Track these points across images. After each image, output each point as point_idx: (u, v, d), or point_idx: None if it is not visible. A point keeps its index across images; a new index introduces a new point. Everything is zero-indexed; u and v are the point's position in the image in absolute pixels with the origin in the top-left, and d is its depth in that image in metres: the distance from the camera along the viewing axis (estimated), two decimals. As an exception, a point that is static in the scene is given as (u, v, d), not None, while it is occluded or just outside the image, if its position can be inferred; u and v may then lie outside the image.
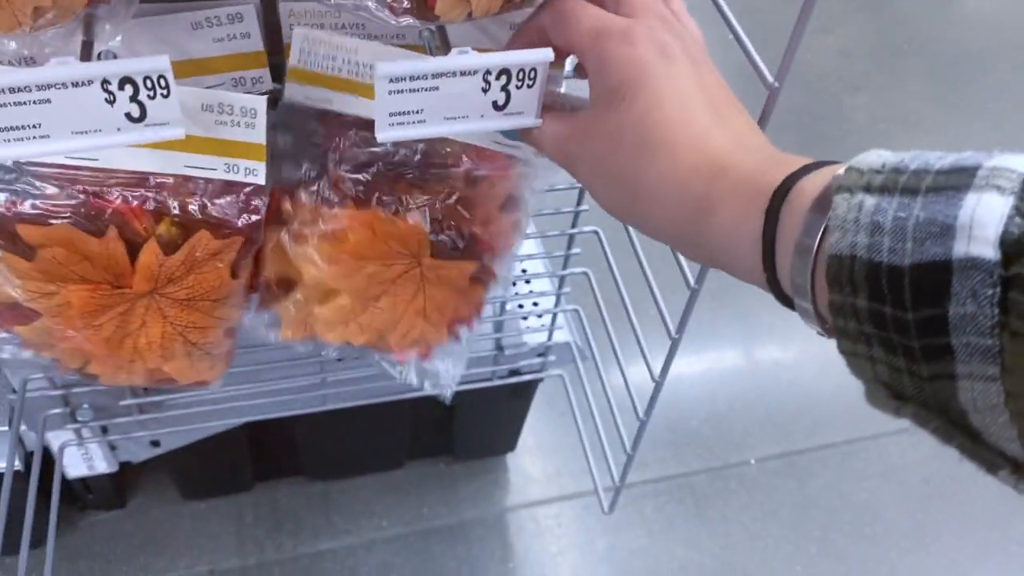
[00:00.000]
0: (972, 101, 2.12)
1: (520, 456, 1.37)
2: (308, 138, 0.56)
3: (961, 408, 0.31)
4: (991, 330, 0.29)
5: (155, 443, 1.02)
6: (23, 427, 0.88)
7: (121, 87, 0.38)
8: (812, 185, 0.36)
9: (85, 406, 0.87)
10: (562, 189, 0.78)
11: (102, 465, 1.02)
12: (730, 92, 0.44)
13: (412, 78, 0.41)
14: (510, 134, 0.57)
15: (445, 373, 0.71)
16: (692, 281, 0.64)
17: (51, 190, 0.49)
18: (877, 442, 1.44)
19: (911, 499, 1.38)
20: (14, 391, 0.82)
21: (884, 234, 0.31)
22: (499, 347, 1.01)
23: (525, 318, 1.03)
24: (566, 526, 1.32)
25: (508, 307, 0.99)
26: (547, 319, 1.02)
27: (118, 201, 0.50)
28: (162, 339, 0.57)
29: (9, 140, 0.39)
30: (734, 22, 0.52)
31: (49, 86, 0.37)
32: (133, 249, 0.52)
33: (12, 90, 0.37)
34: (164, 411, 0.91)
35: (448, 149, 0.57)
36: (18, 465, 0.92)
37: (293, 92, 0.52)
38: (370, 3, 0.41)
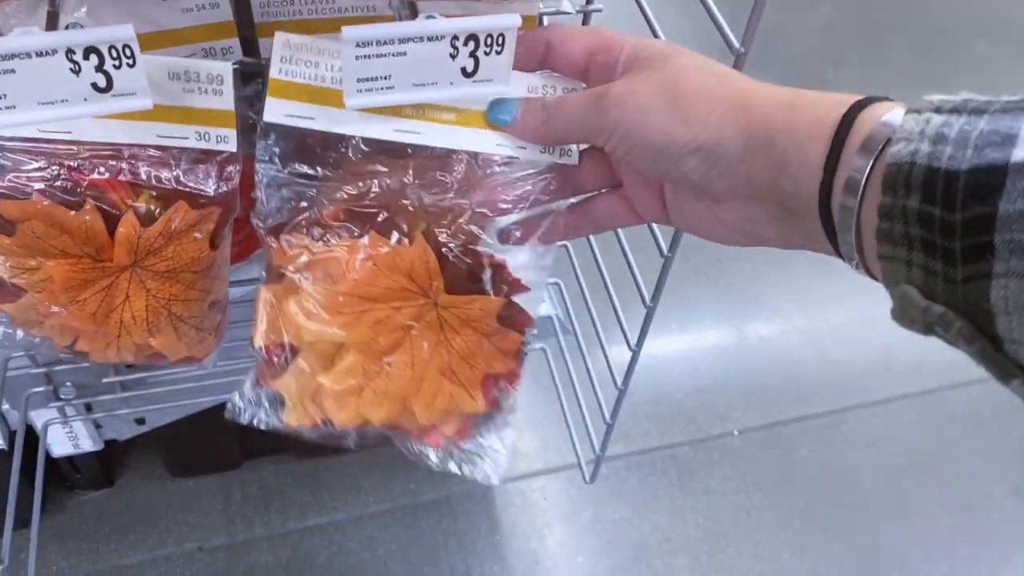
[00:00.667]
0: (954, 75, 2.12)
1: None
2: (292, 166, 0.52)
3: (990, 310, 0.32)
4: None
5: (140, 421, 1.02)
6: (5, 406, 0.88)
7: (86, 57, 0.38)
8: (880, 110, 0.38)
9: (68, 384, 0.88)
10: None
11: (87, 443, 1.03)
12: None
13: (379, 43, 0.42)
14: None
15: (492, 455, 0.59)
16: (666, 249, 0.64)
17: (27, 164, 0.49)
18: (860, 412, 1.46)
19: (893, 468, 1.39)
20: (-4, 369, 0.82)
21: (948, 143, 0.33)
22: (481, 321, 1.01)
23: (507, 292, 1.03)
24: (552, 498, 1.33)
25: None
26: (529, 293, 1.02)
27: (93, 173, 0.50)
28: (147, 312, 0.57)
29: (-24, 110, 0.39)
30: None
31: (13, 56, 0.38)
32: (113, 222, 0.52)
33: (-23, 61, 0.37)
34: (148, 388, 0.92)
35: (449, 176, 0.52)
36: (1, 444, 0.93)
37: (275, 110, 0.47)
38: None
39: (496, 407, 0.56)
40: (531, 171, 0.51)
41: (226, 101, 0.48)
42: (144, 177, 0.50)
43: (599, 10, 0.67)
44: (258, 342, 0.51)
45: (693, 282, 1.57)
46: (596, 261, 0.81)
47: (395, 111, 0.48)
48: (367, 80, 0.43)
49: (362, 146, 0.49)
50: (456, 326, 0.52)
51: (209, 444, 1.23)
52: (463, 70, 0.45)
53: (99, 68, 0.39)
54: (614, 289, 0.77)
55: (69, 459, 1.16)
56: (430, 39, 0.43)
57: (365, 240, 0.50)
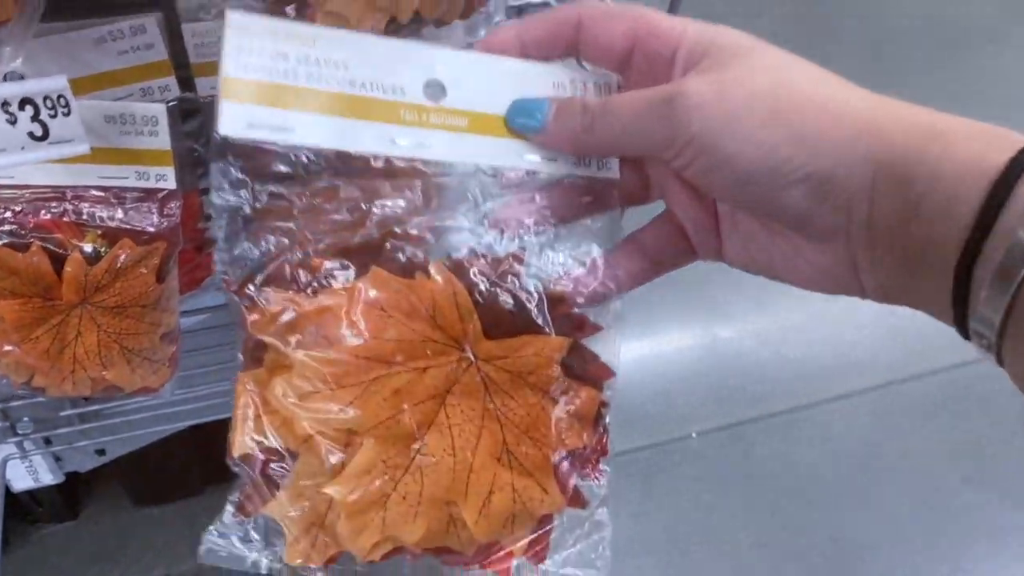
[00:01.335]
0: (901, 78, 2.17)
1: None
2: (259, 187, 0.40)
3: None
4: None
5: (100, 452, 1.02)
6: (-36, 443, 0.89)
7: (21, 108, 0.40)
8: None
9: (26, 419, 0.88)
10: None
11: (48, 477, 1.03)
12: None
13: None
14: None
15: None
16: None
17: (-29, 208, 0.50)
18: (817, 409, 1.49)
19: (852, 463, 1.42)
20: (-49, 408, 0.82)
21: None
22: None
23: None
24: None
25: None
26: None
27: (39, 216, 0.51)
28: (99, 347, 0.58)
29: (-84, 162, 0.40)
30: None
31: (-51, 109, 0.38)
32: (60, 261, 0.53)
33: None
34: (106, 419, 0.92)
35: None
36: (-38, 482, 0.93)
37: (233, 120, 0.34)
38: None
39: (579, 504, 0.41)
40: (554, 182, 0.41)
41: (162, 141, 0.49)
42: (88, 217, 0.52)
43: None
44: (237, 452, 0.37)
45: (648, 286, 1.60)
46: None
47: (390, 115, 0.38)
48: None
49: (334, 162, 0.38)
50: (507, 386, 0.39)
51: (171, 471, 1.23)
52: (31, 134, 0.42)
53: (35, 118, 0.40)
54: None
55: (30, 493, 1.15)
56: None
57: (368, 279, 0.37)
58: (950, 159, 0.32)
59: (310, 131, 0.36)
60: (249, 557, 0.39)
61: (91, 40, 0.49)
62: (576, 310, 0.40)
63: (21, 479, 1.03)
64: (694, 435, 1.44)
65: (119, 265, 0.53)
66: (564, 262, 0.40)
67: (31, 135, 0.41)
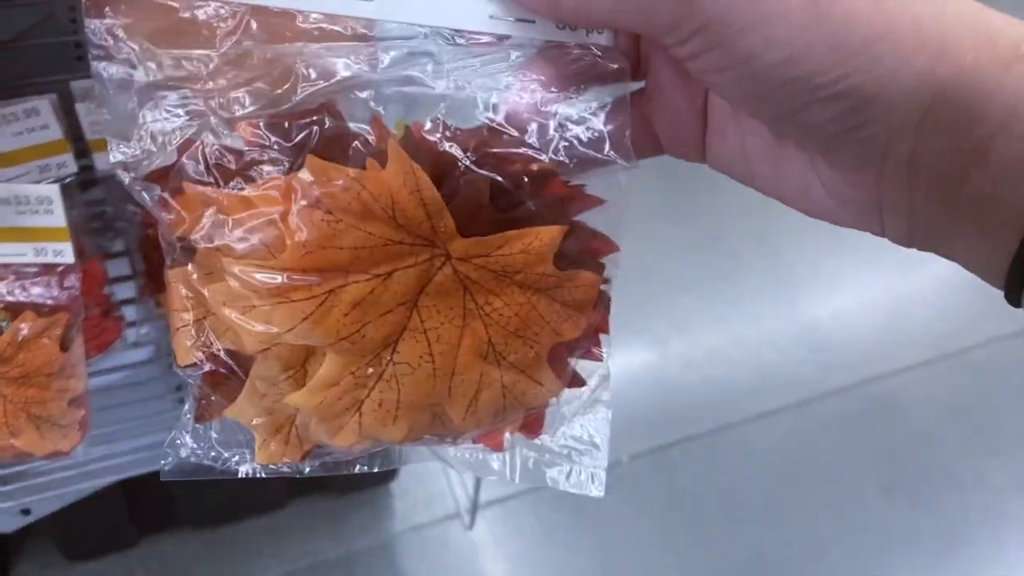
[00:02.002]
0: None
1: (405, 480, 1.42)
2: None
3: None
4: None
5: (25, 511, 1.02)
6: None
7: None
8: None
9: (-55, 484, 0.88)
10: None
11: (-27, 540, 1.03)
12: None
13: None
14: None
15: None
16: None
17: None
18: (737, 429, 1.53)
19: (772, 480, 1.47)
20: None
21: None
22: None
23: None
24: (452, 545, 1.36)
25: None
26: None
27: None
28: (6, 416, 0.60)
29: None
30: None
31: None
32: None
33: None
34: (29, 479, 0.93)
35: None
36: None
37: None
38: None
39: (578, 384, 0.37)
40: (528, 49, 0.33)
41: (57, 219, 0.51)
42: (-10, 293, 0.54)
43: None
44: (182, 361, 0.33)
45: (575, 318, 1.63)
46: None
47: None
48: None
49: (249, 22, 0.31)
50: (491, 285, 0.32)
51: (101, 525, 1.23)
52: None
53: (-73, 206, 0.42)
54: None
55: (-42, 556, 1.15)
56: None
57: (305, 173, 0.30)
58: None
59: None
60: (216, 462, 0.36)
61: (-16, 125, 0.51)
62: (569, 181, 0.33)
63: (-55, 544, 1.03)
64: (625, 460, 1.48)
65: (21, 337, 0.55)
66: (557, 139, 0.33)
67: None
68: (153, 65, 0.30)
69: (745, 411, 1.56)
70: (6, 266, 0.53)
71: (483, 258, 0.32)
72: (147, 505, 1.21)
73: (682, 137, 0.34)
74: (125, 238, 0.67)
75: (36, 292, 0.54)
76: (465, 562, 1.35)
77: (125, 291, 0.74)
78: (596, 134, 0.33)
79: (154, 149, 0.31)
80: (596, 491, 0.41)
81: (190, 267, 0.32)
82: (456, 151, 0.31)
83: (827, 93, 0.27)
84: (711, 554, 1.37)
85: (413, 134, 0.31)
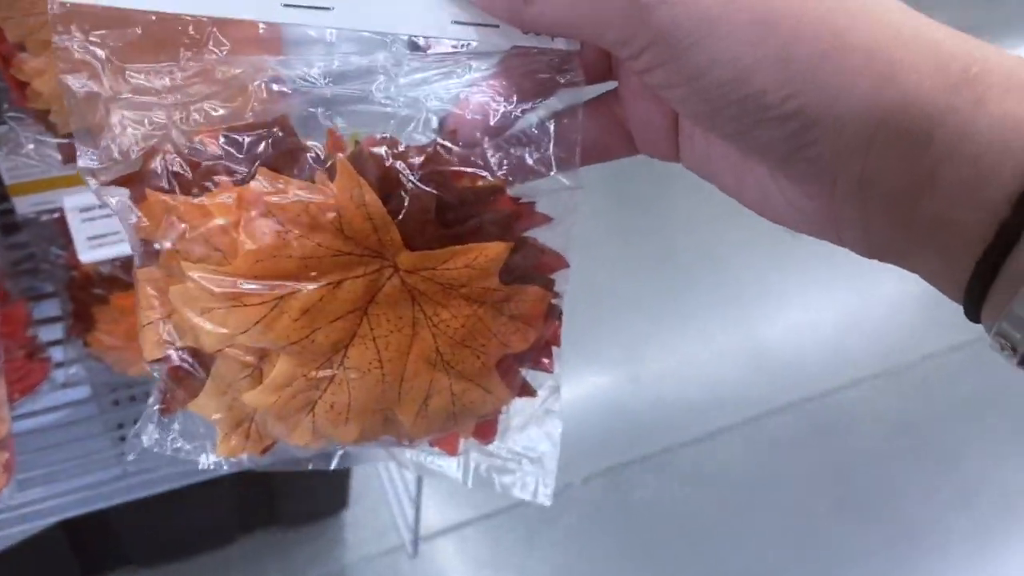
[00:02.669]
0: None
1: (355, 511, 1.40)
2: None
3: None
4: None
5: (-39, 555, 1.00)
6: None
7: None
8: None
9: None
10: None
11: (-93, 586, 1.00)
12: None
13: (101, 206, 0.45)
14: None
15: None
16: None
17: None
18: (689, 449, 1.54)
19: (725, 499, 1.48)
20: None
21: None
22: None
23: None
24: (403, 574, 1.35)
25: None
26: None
27: None
28: (-72, 460, 0.59)
29: None
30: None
31: None
32: None
33: None
34: (-38, 523, 0.90)
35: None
36: None
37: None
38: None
39: (528, 393, 0.38)
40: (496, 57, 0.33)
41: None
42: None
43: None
44: (148, 356, 0.34)
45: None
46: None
47: None
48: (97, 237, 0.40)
49: (221, 37, 0.32)
50: (438, 296, 0.33)
51: (43, 568, 1.20)
52: None
53: None
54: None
55: None
56: None
57: (259, 183, 0.31)
58: (984, 116, 0.25)
59: None
60: (182, 449, 0.37)
61: None
62: (518, 197, 0.34)
63: None
64: (579, 482, 1.47)
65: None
66: (507, 150, 0.33)
67: None
68: (119, 78, 0.31)
69: (696, 430, 1.56)
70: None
71: (429, 271, 0.33)
72: (92, 545, 1.19)
73: (654, 139, 0.35)
74: (51, 280, 0.66)
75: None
76: (418, 592, 1.34)
77: (53, 332, 0.73)
78: (542, 152, 0.33)
79: (119, 157, 0.32)
80: (544, 499, 0.42)
81: (155, 269, 0.33)
82: (403, 167, 0.32)
83: (775, 113, 0.27)
84: (665, 575, 1.37)
85: (363, 150, 0.32)
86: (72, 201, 0.44)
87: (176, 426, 0.37)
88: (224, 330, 0.32)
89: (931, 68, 0.26)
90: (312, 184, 0.31)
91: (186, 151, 0.32)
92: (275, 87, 0.32)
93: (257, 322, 0.32)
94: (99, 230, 0.46)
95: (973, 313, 0.28)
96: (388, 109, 0.33)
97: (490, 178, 0.33)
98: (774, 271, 1.80)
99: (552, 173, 0.33)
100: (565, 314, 0.35)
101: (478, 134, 0.32)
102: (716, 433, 1.56)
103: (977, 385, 1.62)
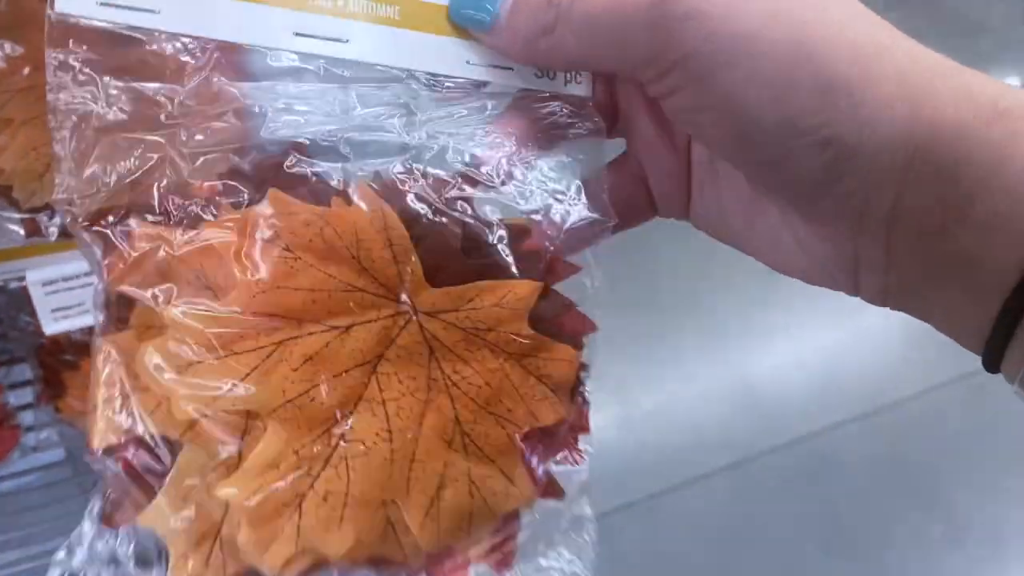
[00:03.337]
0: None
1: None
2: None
3: None
4: None
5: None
6: None
7: None
8: None
9: None
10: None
11: None
12: None
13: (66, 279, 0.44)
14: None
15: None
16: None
17: None
18: (677, 493, 1.53)
19: (714, 543, 1.46)
20: None
21: None
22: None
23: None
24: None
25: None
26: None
27: None
28: None
29: None
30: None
31: None
32: None
33: None
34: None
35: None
36: None
37: None
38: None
39: (555, 494, 0.33)
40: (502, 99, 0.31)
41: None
42: None
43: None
44: (98, 443, 0.28)
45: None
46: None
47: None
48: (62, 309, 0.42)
49: (216, 54, 0.29)
50: (459, 347, 0.29)
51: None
52: None
53: None
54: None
55: None
56: None
57: (265, 206, 0.28)
58: (1018, 148, 0.25)
59: (183, 13, 0.28)
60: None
61: None
62: (548, 245, 0.30)
63: None
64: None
65: None
66: (534, 192, 0.31)
67: None
68: (114, 98, 0.28)
69: (683, 474, 1.55)
70: None
71: (452, 313, 0.29)
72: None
73: (669, 193, 0.33)
74: (20, 346, 0.65)
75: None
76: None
77: (24, 396, 0.72)
78: (573, 196, 0.31)
79: (105, 186, 0.28)
80: None
81: (122, 334, 0.28)
82: (428, 195, 0.29)
83: (809, 140, 0.26)
84: (654, 624, 1.36)
85: (382, 176, 0.29)
86: (35, 275, 0.44)
87: (123, 552, 0.29)
88: (206, 389, 0.27)
89: (963, 99, 0.25)
90: (328, 208, 0.28)
91: (185, 177, 0.29)
92: (287, 116, 0.29)
93: (249, 373, 0.27)
94: (63, 302, 0.46)
95: (993, 360, 0.27)
96: (404, 139, 0.30)
97: (520, 214, 0.30)
98: (758, 311, 1.80)
99: (587, 213, 0.31)
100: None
101: (504, 168, 0.31)
102: (703, 477, 1.55)
103: (965, 422, 1.62)
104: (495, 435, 0.30)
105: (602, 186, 0.31)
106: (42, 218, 0.46)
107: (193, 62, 0.28)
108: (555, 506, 0.33)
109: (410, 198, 0.29)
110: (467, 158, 0.30)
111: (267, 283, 0.27)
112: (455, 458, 0.29)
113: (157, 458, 0.28)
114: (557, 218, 0.31)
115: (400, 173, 0.29)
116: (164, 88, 0.29)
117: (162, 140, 0.28)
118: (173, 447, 0.28)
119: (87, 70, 0.28)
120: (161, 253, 0.28)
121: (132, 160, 0.28)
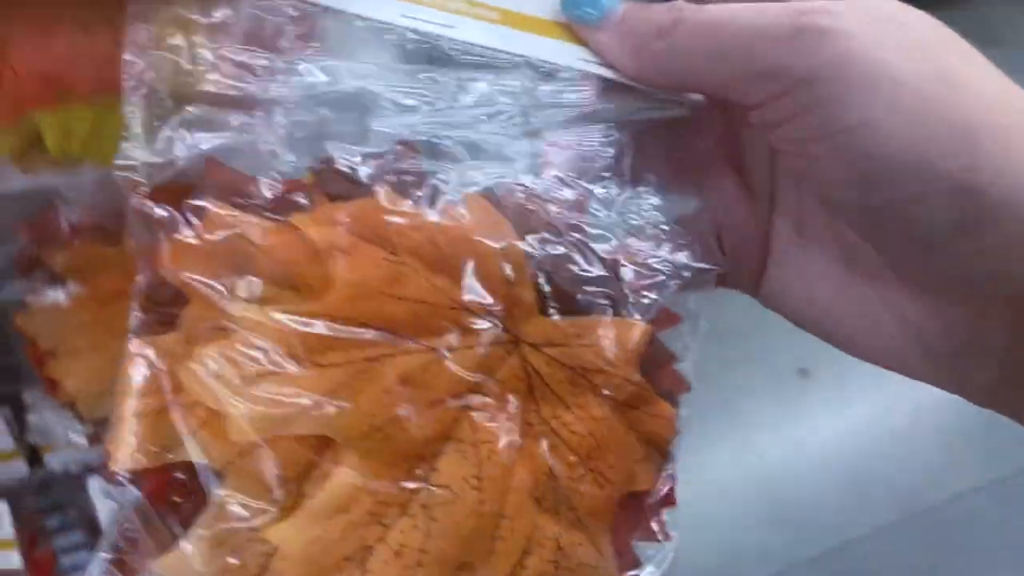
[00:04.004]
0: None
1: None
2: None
3: None
4: None
5: None
6: None
7: None
8: None
9: None
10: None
11: None
12: None
13: None
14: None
15: None
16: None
17: None
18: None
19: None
20: None
21: None
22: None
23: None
24: None
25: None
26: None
27: None
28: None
29: None
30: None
31: None
32: None
33: None
34: None
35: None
36: None
37: None
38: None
39: (634, 565, 0.28)
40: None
41: (5, 532, 0.56)
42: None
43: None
44: (122, 463, 0.23)
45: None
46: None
47: None
48: None
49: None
50: (562, 389, 0.26)
51: None
52: None
53: None
54: None
55: None
56: None
57: (371, 201, 0.25)
58: None
59: None
60: None
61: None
62: (650, 294, 0.27)
63: None
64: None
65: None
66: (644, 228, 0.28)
67: None
68: (209, 58, 0.25)
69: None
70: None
71: (560, 348, 0.26)
72: None
73: (742, 261, 0.29)
74: (81, 528, 0.71)
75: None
76: None
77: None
78: (684, 238, 0.28)
79: (183, 159, 0.25)
80: None
81: (167, 337, 0.24)
82: (545, 215, 0.26)
83: (947, 185, 0.22)
84: None
85: (496, 190, 0.26)
86: (96, 484, 0.50)
87: None
88: (280, 406, 0.22)
89: None
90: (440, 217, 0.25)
91: (276, 163, 0.25)
92: (398, 106, 0.26)
93: (334, 390, 0.23)
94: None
95: None
96: (517, 148, 0.27)
97: (631, 253, 0.27)
98: (790, 408, 1.77)
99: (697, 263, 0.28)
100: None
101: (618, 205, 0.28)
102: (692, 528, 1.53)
103: (1003, 526, 1.59)
104: (591, 495, 0.26)
105: (713, 231, 0.29)
106: (103, 430, 0.52)
107: (292, 30, 0.26)
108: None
109: (527, 213, 0.26)
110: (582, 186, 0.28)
111: (368, 286, 0.24)
112: (544, 520, 0.25)
113: (192, 490, 0.23)
114: (672, 259, 0.28)
115: (517, 192, 0.26)
116: (259, 56, 0.25)
117: (250, 118, 0.25)
118: (213, 477, 0.23)
119: (180, 34, 0.25)
120: (242, 242, 0.24)
121: (214, 135, 0.25)
